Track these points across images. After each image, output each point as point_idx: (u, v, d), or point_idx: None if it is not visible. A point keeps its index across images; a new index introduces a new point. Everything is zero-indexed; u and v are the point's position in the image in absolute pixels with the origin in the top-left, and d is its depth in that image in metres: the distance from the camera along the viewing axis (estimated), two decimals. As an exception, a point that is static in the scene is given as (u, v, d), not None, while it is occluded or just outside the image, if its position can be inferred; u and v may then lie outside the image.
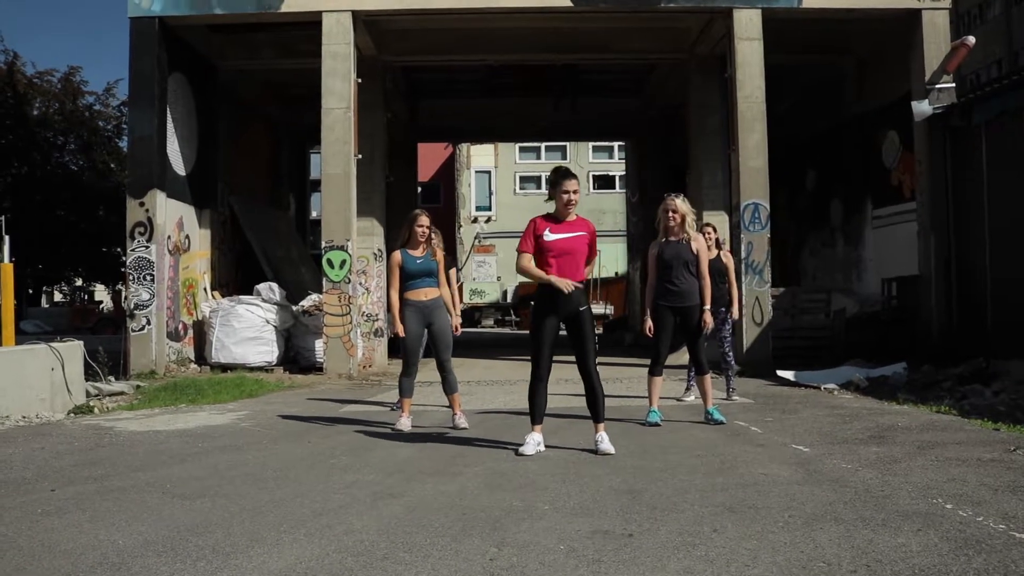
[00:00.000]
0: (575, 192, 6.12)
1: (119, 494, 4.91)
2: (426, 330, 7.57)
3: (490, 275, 38.14)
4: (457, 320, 7.81)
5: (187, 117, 15.22)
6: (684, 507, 4.44)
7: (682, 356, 8.09)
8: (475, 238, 38.69)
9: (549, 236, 6.04)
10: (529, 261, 6.14)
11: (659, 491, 4.83)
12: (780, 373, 11.50)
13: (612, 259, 33.32)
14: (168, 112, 14.30)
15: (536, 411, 6.18)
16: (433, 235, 8.25)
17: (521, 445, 6.14)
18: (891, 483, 4.92)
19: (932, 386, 9.68)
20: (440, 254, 7.75)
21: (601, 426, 6.18)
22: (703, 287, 7.57)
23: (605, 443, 6.07)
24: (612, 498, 4.68)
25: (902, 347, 13.00)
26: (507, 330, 33.86)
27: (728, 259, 9.49)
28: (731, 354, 9.51)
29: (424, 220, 7.58)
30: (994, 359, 11.07)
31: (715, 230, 9.55)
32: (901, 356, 12.21)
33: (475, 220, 38.89)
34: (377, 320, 15.64)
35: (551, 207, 6.16)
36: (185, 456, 6.27)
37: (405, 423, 7.50)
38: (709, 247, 9.07)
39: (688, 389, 9.52)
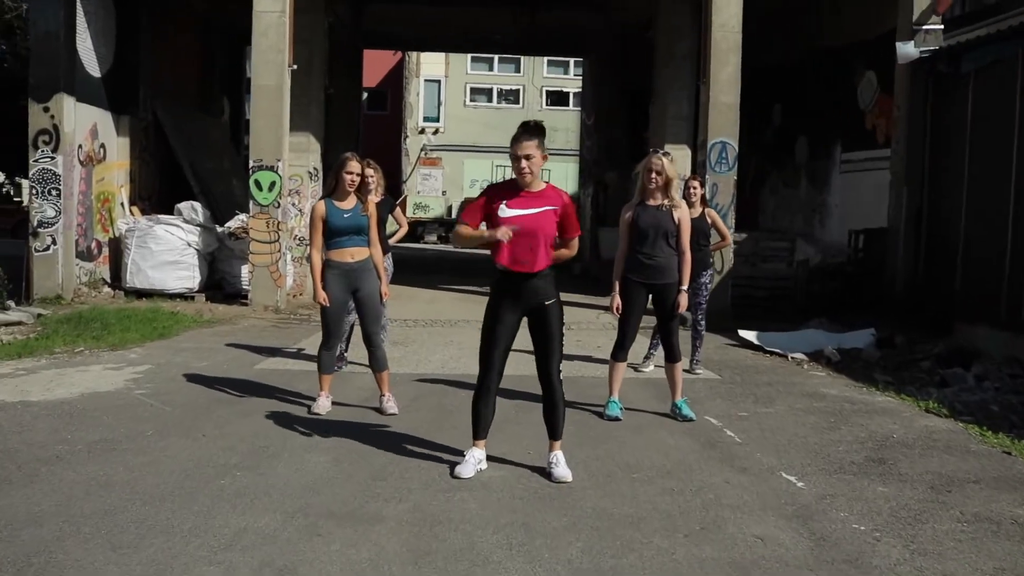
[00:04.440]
0: (528, 158, 4.78)
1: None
2: (351, 297, 6.53)
3: (435, 189, 36.67)
4: (386, 287, 6.75)
5: (102, 10, 13.59)
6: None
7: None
8: (421, 150, 37.08)
9: (505, 212, 4.82)
10: (467, 229, 4.95)
11: (632, 573, 3.84)
12: (742, 333, 10.66)
13: (562, 179, 32.16)
14: (78, 4, 12.67)
15: (479, 425, 5.12)
16: (372, 171, 7.21)
17: (458, 463, 5.13)
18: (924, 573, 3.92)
19: (908, 365, 8.95)
20: (372, 207, 6.58)
21: (557, 444, 5.14)
22: (682, 263, 6.51)
23: (560, 467, 5.05)
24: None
25: (865, 302, 12.36)
26: (451, 248, 32.77)
27: (714, 216, 8.73)
28: (703, 323, 8.64)
29: (354, 166, 6.35)
30: (958, 321, 10.47)
31: (701, 185, 8.61)
32: (864, 311, 11.55)
33: (422, 131, 37.17)
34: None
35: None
36: (40, 464, 5.05)
37: (324, 404, 6.49)
38: (693, 204, 8.13)
39: (648, 358, 8.65)
